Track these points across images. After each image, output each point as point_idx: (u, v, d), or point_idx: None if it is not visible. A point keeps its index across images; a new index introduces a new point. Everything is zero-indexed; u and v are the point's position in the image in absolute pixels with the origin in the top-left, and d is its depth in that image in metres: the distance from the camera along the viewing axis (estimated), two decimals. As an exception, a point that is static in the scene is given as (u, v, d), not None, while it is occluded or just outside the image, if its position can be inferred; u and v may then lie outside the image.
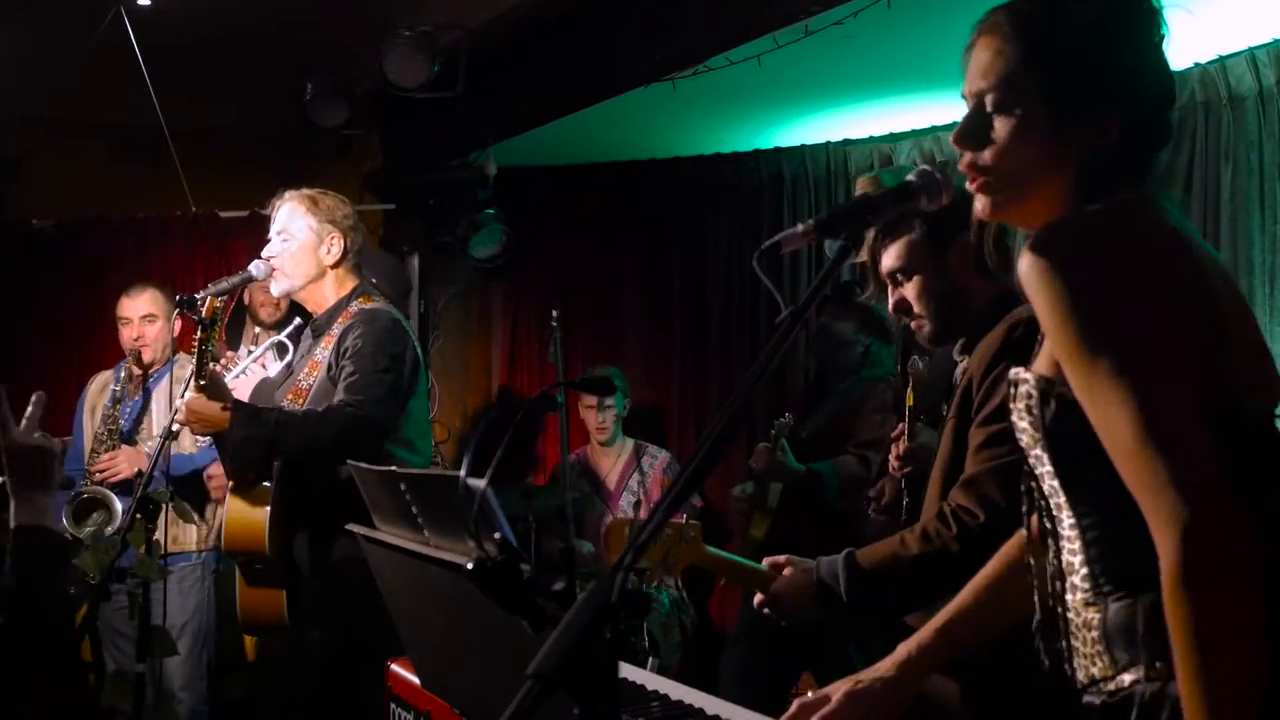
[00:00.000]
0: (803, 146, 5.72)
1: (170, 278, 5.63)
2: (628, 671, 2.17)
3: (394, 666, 2.46)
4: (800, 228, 1.54)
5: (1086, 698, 1.49)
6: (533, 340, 6.65)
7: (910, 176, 1.61)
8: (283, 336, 4.04)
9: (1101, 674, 1.47)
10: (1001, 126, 1.51)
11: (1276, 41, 3.93)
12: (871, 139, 5.47)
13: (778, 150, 5.82)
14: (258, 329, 5.22)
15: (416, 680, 2.30)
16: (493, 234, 6.04)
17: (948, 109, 4.98)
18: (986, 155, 1.52)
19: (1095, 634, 1.47)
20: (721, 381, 5.98)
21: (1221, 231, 4.11)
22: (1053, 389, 1.46)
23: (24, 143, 6.14)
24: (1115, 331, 1.36)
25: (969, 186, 1.56)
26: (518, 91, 5.38)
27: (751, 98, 4.92)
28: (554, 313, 5.22)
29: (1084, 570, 1.48)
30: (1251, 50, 3.98)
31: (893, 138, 5.38)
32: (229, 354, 4.86)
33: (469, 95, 5.18)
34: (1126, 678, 1.44)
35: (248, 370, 3.91)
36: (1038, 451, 1.51)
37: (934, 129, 5.19)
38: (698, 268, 6.17)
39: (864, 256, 2.61)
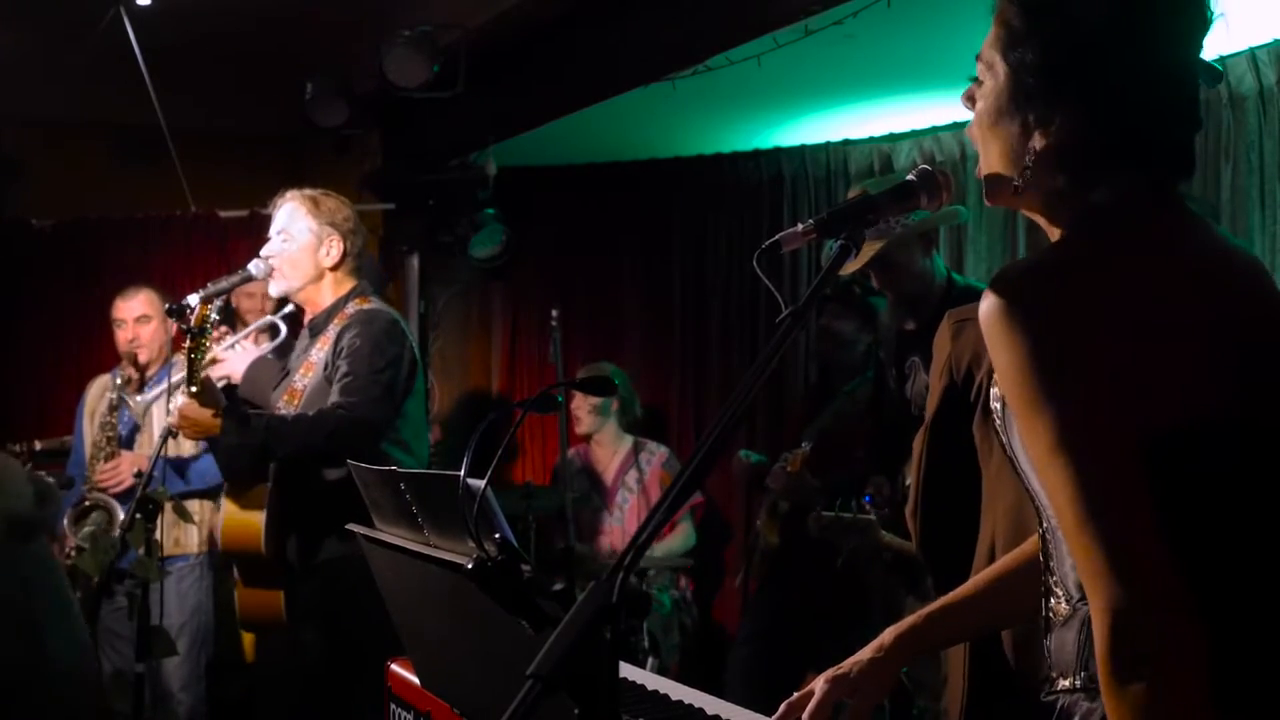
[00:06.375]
0: (803, 146, 5.71)
1: (170, 278, 5.64)
2: (628, 671, 2.17)
3: (394, 666, 2.45)
4: (800, 228, 1.54)
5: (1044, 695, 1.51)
6: (533, 340, 6.65)
7: (910, 175, 1.61)
8: (276, 318, 3.98)
9: (1046, 675, 1.49)
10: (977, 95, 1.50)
11: (1276, 41, 3.92)
12: (871, 139, 5.46)
13: (778, 150, 5.81)
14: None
15: (416, 680, 2.29)
16: (493, 234, 6.04)
17: (948, 109, 4.97)
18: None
19: (1052, 634, 1.48)
20: (721, 381, 5.97)
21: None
22: (1004, 411, 1.46)
23: (24, 143, 6.15)
24: (1054, 403, 1.30)
25: None
26: (518, 91, 5.37)
27: (751, 98, 4.92)
28: (554, 313, 5.22)
29: (1055, 575, 1.48)
30: (1251, 50, 3.97)
31: (893, 138, 5.38)
32: (221, 329, 4.81)
33: (469, 95, 5.18)
34: (1061, 683, 1.45)
35: (239, 345, 3.87)
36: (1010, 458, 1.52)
37: (934, 129, 5.19)
38: (698, 268, 6.16)
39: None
